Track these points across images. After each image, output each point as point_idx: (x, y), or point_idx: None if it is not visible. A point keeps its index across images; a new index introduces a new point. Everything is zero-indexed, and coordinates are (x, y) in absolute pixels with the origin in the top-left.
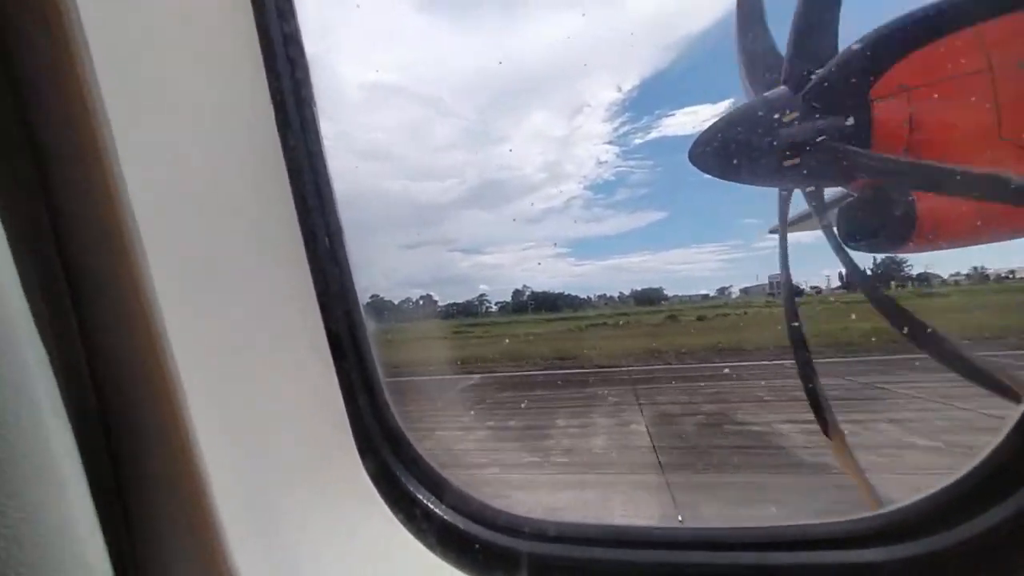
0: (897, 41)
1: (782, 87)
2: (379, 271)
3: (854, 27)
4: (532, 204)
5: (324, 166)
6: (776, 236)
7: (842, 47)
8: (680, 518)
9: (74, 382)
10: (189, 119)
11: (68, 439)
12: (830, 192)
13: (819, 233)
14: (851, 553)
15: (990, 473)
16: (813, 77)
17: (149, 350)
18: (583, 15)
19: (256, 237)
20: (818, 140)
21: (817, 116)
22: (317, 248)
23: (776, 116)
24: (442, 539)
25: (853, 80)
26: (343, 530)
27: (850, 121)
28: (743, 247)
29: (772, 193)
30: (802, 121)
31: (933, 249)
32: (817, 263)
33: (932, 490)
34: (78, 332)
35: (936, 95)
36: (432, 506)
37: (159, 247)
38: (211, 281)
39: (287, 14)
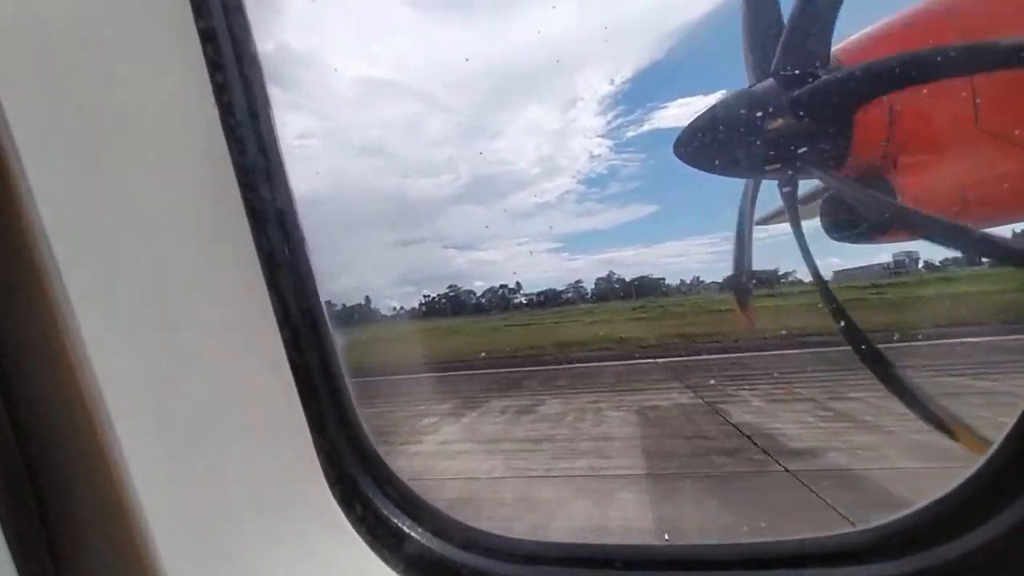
0: (888, 78)
1: (769, 80)
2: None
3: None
4: (527, 199)
5: (281, 168)
6: (765, 227)
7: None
8: (666, 536)
9: None
10: (109, 120)
11: None
12: (810, 184)
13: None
14: (843, 570)
15: (987, 483)
16: (801, 84)
17: (70, 381)
18: (577, 6)
19: (200, 250)
20: (800, 150)
21: (800, 115)
22: (274, 257)
23: (760, 111)
24: (415, 564)
25: (840, 101)
26: (311, 565)
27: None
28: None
29: (762, 184)
30: (785, 118)
31: (911, 240)
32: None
33: (927, 501)
34: None
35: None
36: (405, 529)
37: (79, 265)
38: (145, 300)
39: (233, 9)
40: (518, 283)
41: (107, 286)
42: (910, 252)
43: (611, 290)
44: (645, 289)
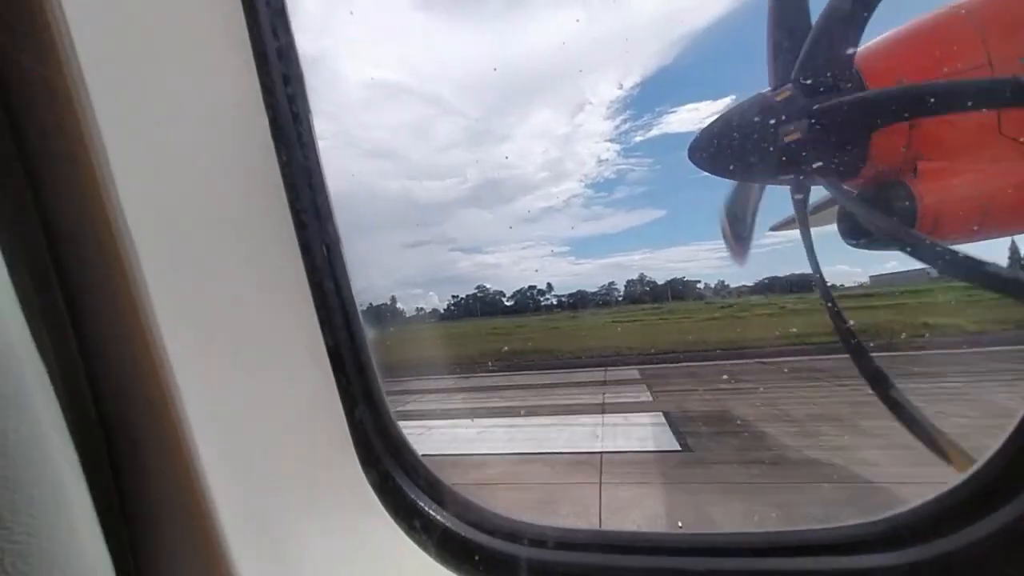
0: (910, 105)
1: (788, 86)
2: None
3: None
4: (534, 202)
5: (320, 175)
6: (778, 234)
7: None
8: (680, 523)
9: (74, 396)
10: (182, 131)
11: (70, 454)
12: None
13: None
14: (852, 559)
15: (991, 478)
16: (821, 92)
17: (147, 363)
18: (586, 12)
19: (252, 248)
20: (815, 165)
21: (819, 128)
22: (314, 257)
23: (777, 119)
24: (444, 547)
25: (858, 121)
26: (346, 541)
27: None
28: None
29: (771, 191)
30: (804, 130)
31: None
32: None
33: (934, 494)
34: (76, 346)
35: None
36: (434, 514)
37: (154, 259)
38: (208, 293)
39: (281, 24)
40: (549, 284)
41: (181, 283)
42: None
43: (644, 292)
44: (680, 292)
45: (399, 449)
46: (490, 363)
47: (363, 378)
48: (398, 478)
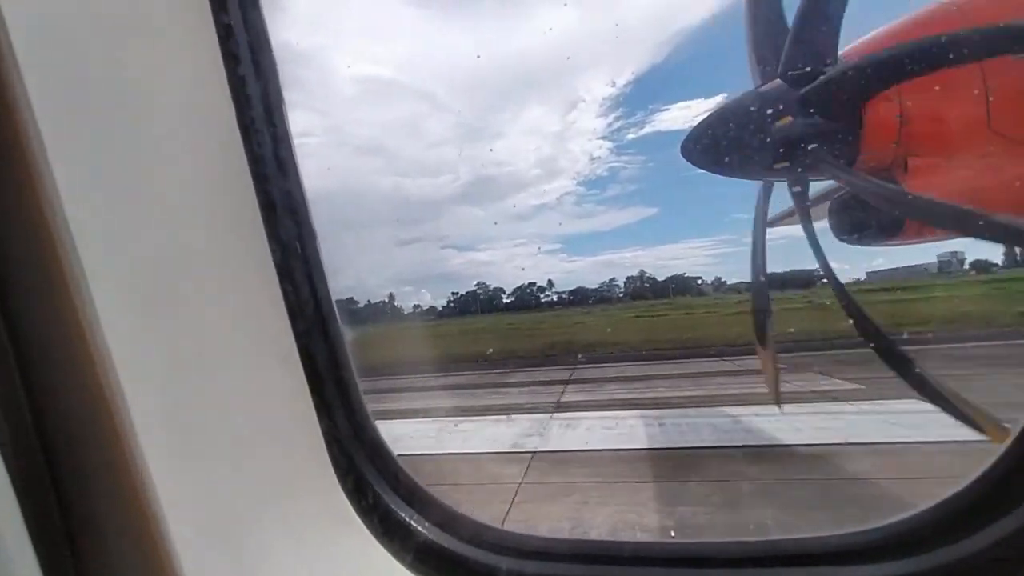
0: (897, 68)
1: (777, 81)
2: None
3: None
4: (526, 200)
5: (294, 165)
6: (774, 229)
7: (843, 44)
8: (672, 533)
9: (10, 409)
10: (136, 123)
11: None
12: (821, 185)
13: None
14: (849, 569)
15: (991, 487)
16: (809, 82)
17: (90, 371)
18: (579, 10)
19: (215, 245)
20: (810, 147)
21: (809, 112)
22: (286, 254)
23: (768, 111)
24: (421, 556)
25: (849, 95)
26: (315, 549)
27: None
28: (733, 242)
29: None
30: (794, 116)
31: (922, 242)
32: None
33: (933, 502)
34: (12, 351)
35: (927, 87)
36: (412, 522)
37: (99, 257)
38: (163, 294)
39: (248, 5)
40: (549, 281)
41: (127, 281)
42: (956, 252)
43: (644, 289)
44: (680, 288)
45: (377, 454)
46: (580, 355)
47: (338, 380)
48: (375, 484)
